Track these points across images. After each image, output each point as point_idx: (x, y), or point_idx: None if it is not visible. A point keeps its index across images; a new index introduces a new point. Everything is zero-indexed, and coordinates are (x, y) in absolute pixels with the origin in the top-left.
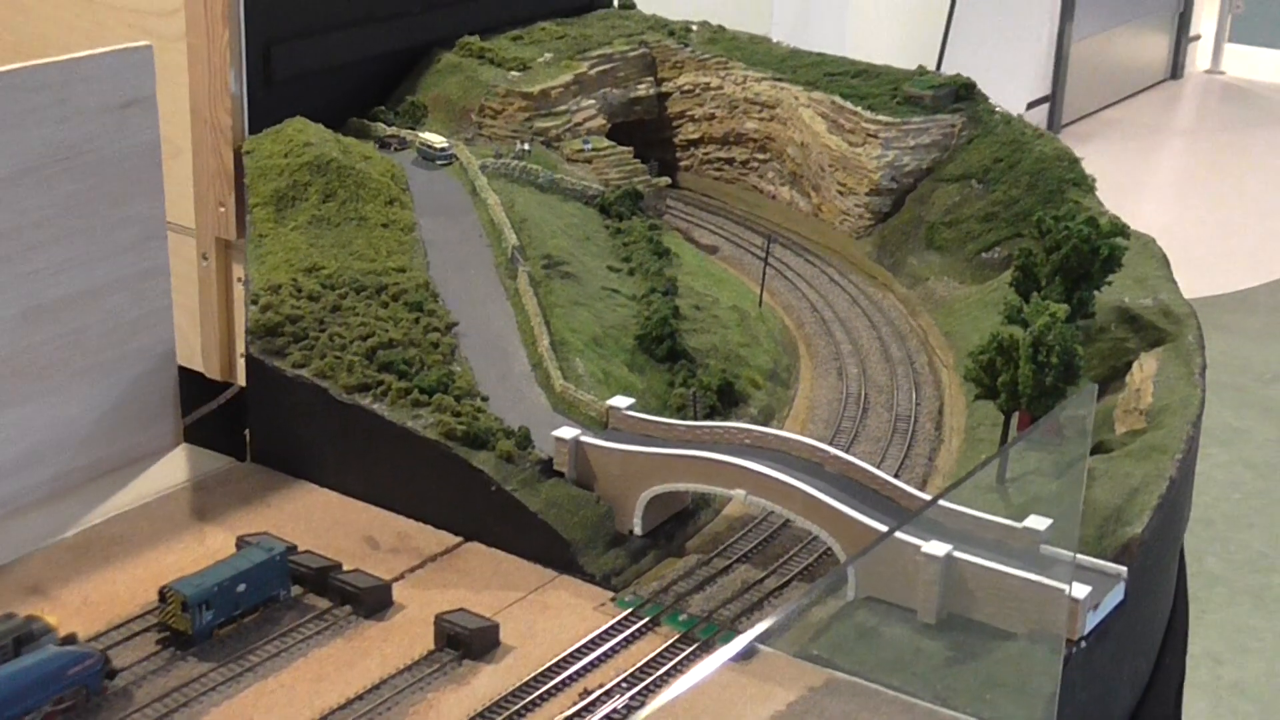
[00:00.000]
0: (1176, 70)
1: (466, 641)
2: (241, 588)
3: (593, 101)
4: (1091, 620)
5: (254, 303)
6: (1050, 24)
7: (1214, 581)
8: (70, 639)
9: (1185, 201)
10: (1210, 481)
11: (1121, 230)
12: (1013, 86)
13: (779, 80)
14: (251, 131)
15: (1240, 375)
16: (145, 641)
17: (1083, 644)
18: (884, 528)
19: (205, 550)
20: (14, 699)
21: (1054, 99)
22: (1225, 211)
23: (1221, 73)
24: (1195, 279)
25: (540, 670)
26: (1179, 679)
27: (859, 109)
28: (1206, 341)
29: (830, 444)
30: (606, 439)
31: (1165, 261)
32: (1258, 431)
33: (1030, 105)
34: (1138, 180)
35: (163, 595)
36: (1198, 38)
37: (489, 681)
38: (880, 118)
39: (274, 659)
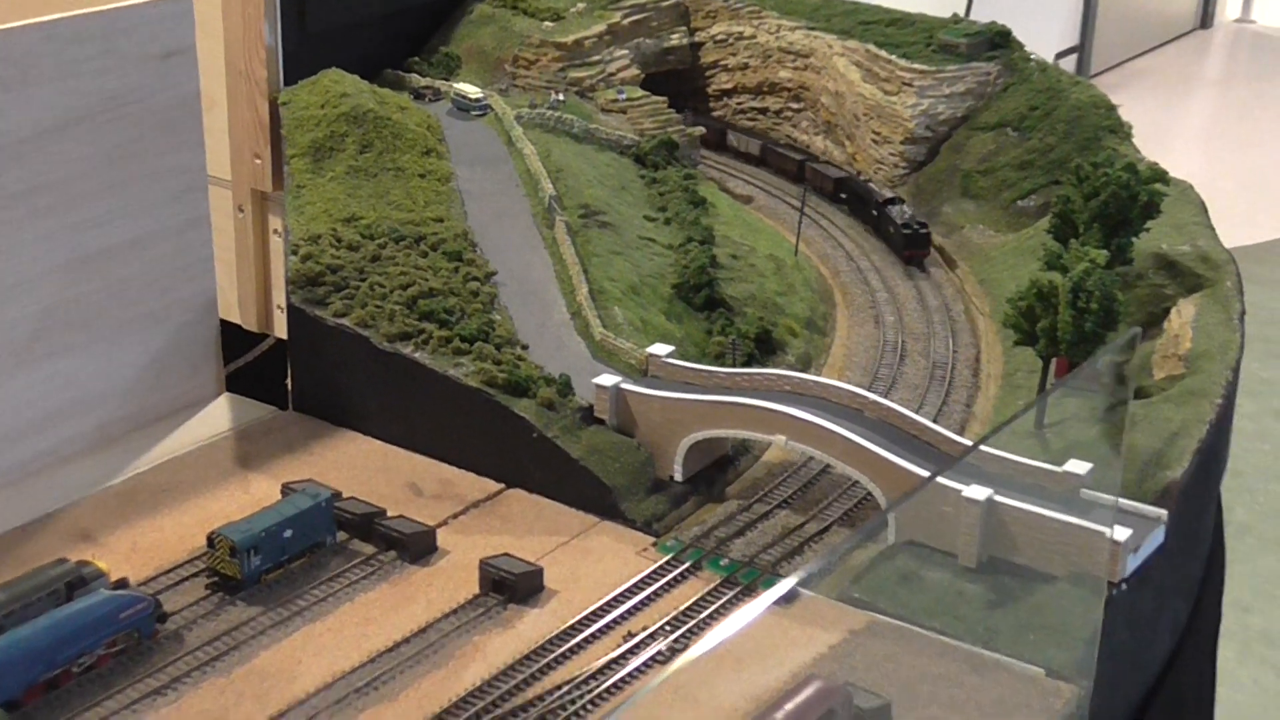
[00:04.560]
0: (1206, 19)
1: (511, 586)
2: (288, 534)
3: (626, 52)
4: (1132, 563)
5: (294, 253)
6: None
7: (1242, 531)
8: (122, 583)
9: (1213, 152)
10: (1238, 433)
11: (1160, 176)
12: (1041, 36)
13: (813, 29)
14: (286, 83)
15: (1268, 326)
16: (195, 586)
17: (1123, 586)
18: (925, 473)
19: (250, 497)
20: (68, 642)
21: (1083, 49)
22: (1254, 162)
23: (1252, 21)
24: (1222, 230)
25: (585, 614)
26: (1216, 622)
27: (894, 57)
28: None
29: (868, 391)
30: (647, 386)
31: (1203, 208)
32: None
33: (1059, 55)
34: (1167, 130)
35: (211, 541)
36: None
37: (534, 625)
38: (915, 66)
39: (321, 603)
